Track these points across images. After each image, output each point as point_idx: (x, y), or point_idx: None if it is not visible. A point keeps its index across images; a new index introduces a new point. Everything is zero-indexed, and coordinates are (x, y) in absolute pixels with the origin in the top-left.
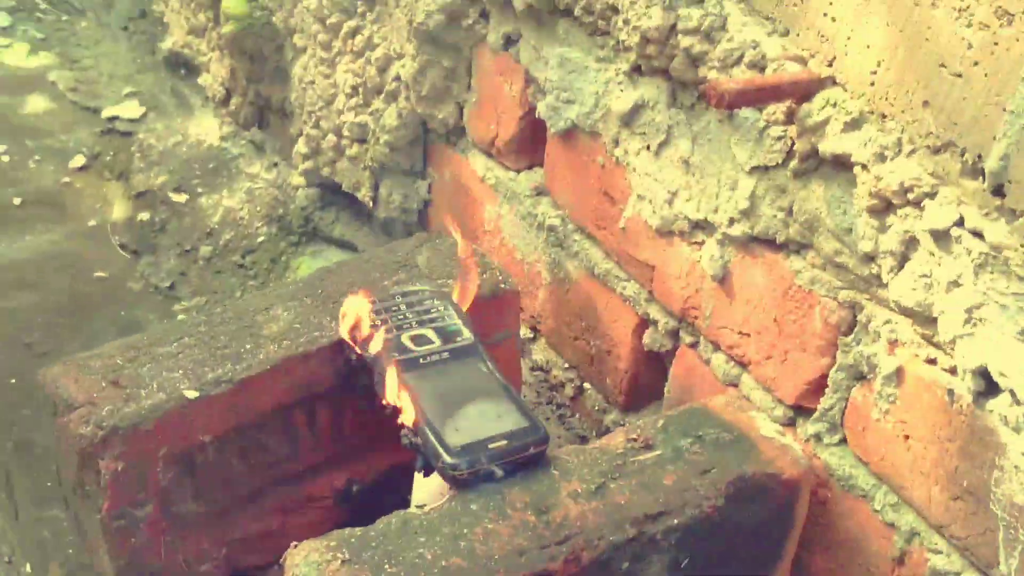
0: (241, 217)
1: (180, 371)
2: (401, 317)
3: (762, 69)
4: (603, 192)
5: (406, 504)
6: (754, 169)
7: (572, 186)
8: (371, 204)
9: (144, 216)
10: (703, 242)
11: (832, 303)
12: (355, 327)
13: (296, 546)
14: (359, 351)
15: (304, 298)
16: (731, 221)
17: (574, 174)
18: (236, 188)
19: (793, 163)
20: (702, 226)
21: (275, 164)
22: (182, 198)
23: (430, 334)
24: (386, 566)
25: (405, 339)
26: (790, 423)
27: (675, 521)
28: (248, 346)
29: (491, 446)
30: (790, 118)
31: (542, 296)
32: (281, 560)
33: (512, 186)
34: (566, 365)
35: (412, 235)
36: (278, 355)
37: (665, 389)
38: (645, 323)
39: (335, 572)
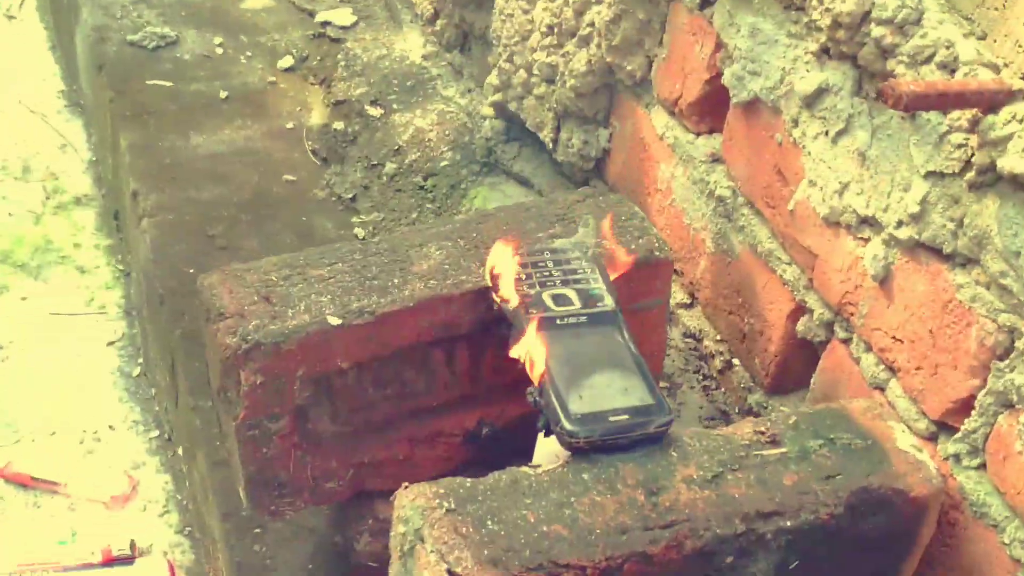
0: (429, 139)
1: (328, 296)
2: (547, 274)
3: (952, 71)
4: (777, 170)
5: (530, 454)
6: (930, 174)
7: (747, 159)
8: (551, 145)
9: (339, 125)
10: (868, 239)
11: (991, 324)
12: (499, 276)
13: (407, 487)
14: (499, 301)
15: (458, 239)
16: (899, 223)
17: (751, 147)
18: (429, 109)
19: (970, 174)
20: (870, 223)
21: (470, 90)
22: (377, 112)
23: (572, 295)
24: (488, 522)
25: (546, 297)
26: (931, 438)
27: (787, 523)
28: (396, 280)
29: (612, 419)
30: (974, 127)
31: (703, 264)
32: (392, 497)
33: (689, 149)
34: (718, 337)
35: (587, 181)
36: (422, 294)
37: (812, 379)
38: (801, 309)
39: (437, 520)
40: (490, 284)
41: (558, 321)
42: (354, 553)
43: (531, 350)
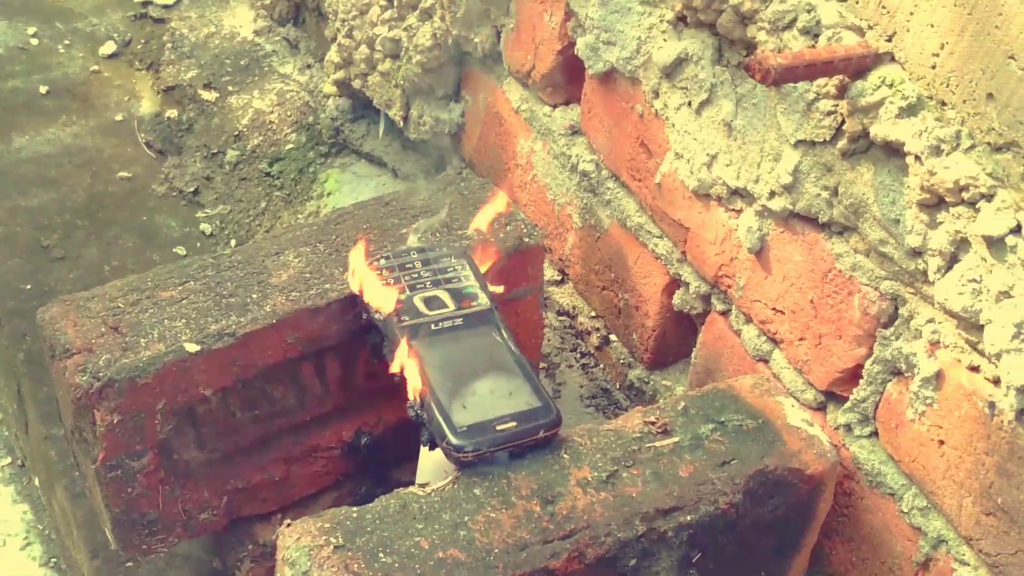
0: (270, 121)
1: (182, 320)
2: (415, 276)
3: (815, 36)
4: (640, 142)
5: (412, 458)
6: (800, 143)
7: (608, 131)
8: (402, 123)
9: (172, 113)
10: (741, 210)
11: (873, 293)
12: (365, 283)
13: (289, 525)
14: (370, 312)
15: (317, 243)
16: (772, 194)
17: (611, 119)
18: (267, 89)
19: (842, 142)
20: (741, 194)
21: (308, 66)
22: (212, 96)
23: (444, 296)
24: (380, 554)
25: (418, 301)
26: (820, 408)
27: (688, 518)
28: (254, 296)
29: (499, 427)
30: (842, 93)
31: (572, 240)
32: (274, 537)
33: (547, 122)
34: (592, 314)
35: (442, 157)
36: (285, 308)
37: (692, 354)
38: (676, 283)
39: (326, 559)
40: (357, 292)
41: (432, 327)
42: None
43: (407, 362)
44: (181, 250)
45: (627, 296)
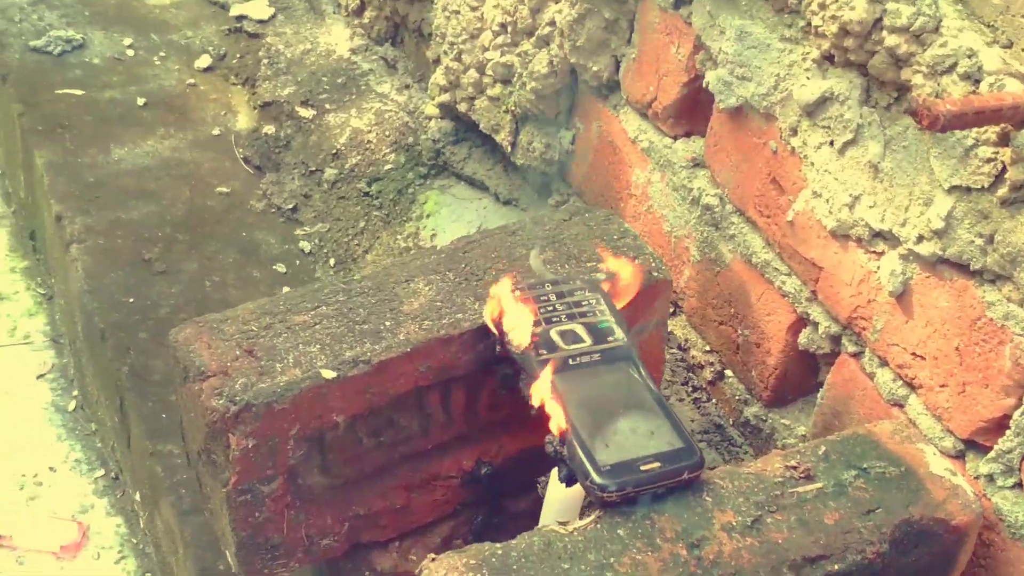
0: (369, 141)
1: (316, 345)
2: (551, 309)
3: (977, 81)
4: (771, 179)
5: (528, 489)
6: (954, 188)
7: (736, 166)
8: (509, 149)
9: (269, 130)
10: (883, 253)
11: None
12: (502, 316)
13: (434, 559)
14: (504, 344)
15: (447, 272)
16: (920, 238)
17: (740, 154)
18: (365, 108)
19: (1002, 190)
20: (884, 236)
21: (407, 86)
22: (309, 113)
23: (580, 331)
24: None
25: (554, 335)
26: (959, 456)
27: (835, 567)
28: (387, 323)
29: (643, 467)
30: (1004, 140)
31: (688, 274)
32: (417, 571)
33: (667, 153)
34: (707, 348)
35: (549, 185)
36: (418, 337)
37: (819, 395)
38: (803, 322)
39: None
40: (491, 326)
41: (571, 361)
42: None
43: (548, 397)
44: (281, 267)
45: (747, 332)
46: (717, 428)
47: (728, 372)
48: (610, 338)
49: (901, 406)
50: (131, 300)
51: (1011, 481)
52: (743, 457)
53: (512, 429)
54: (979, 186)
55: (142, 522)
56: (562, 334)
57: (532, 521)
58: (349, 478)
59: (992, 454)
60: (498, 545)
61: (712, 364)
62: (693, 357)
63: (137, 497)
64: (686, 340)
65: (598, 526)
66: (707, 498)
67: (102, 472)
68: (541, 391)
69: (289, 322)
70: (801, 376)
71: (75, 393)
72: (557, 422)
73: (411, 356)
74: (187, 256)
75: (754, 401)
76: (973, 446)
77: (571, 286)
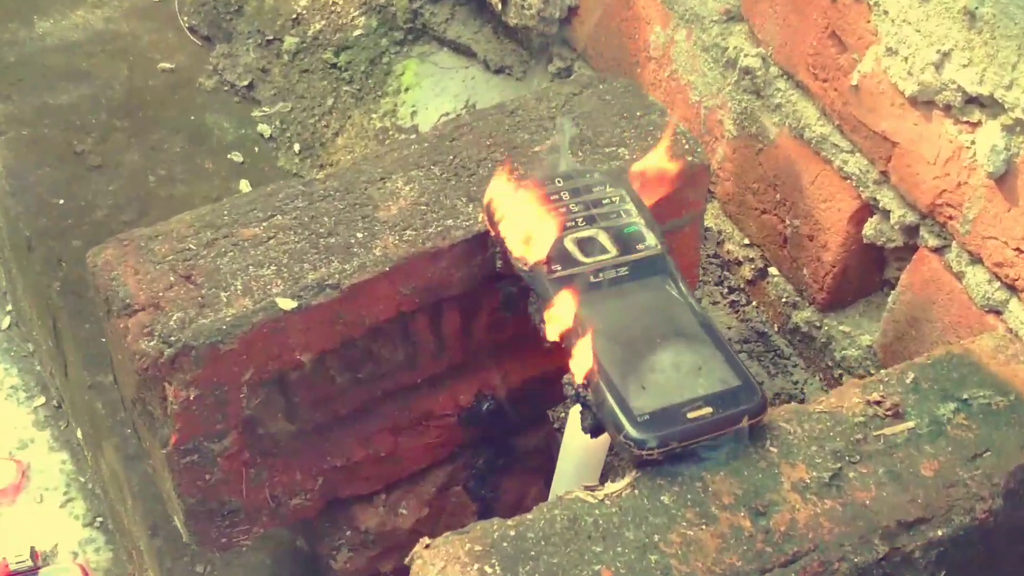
0: (334, 2)
1: (271, 267)
2: (565, 212)
3: None
4: (830, 32)
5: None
6: None
7: (783, 18)
8: (500, 6)
9: None
10: (979, 123)
11: None
12: (502, 223)
13: (427, 545)
14: (507, 259)
15: (431, 165)
16: None
17: (788, 3)
18: None
19: None
20: (983, 103)
21: None
22: None
23: (603, 239)
24: None
25: (569, 245)
26: None
27: (938, 532)
28: (360, 235)
29: (690, 415)
30: None
31: (721, 152)
32: (407, 560)
33: (694, 5)
34: (746, 241)
35: (547, 48)
36: (399, 252)
37: (890, 299)
38: (869, 210)
39: None
40: (491, 234)
41: (591, 279)
42: (331, 572)
43: (566, 328)
44: (237, 156)
45: (797, 222)
46: (759, 336)
47: (772, 270)
48: (640, 246)
49: (999, 313)
50: (61, 201)
51: None
52: (791, 371)
53: (518, 353)
54: None
55: (89, 459)
56: (580, 243)
57: (545, 460)
58: (321, 424)
59: None
60: (510, 522)
61: (752, 260)
62: (729, 252)
63: (79, 435)
64: (720, 232)
65: (635, 492)
66: (772, 448)
67: (43, 400)
68: (557, 320)
69: (236, 237)
70: (864, 274)
71: (8, 308)
72: (581, 361)
73: (391, 276)
74: (127, 147)
75: (805, 304)
76: None
77: (589, 180)
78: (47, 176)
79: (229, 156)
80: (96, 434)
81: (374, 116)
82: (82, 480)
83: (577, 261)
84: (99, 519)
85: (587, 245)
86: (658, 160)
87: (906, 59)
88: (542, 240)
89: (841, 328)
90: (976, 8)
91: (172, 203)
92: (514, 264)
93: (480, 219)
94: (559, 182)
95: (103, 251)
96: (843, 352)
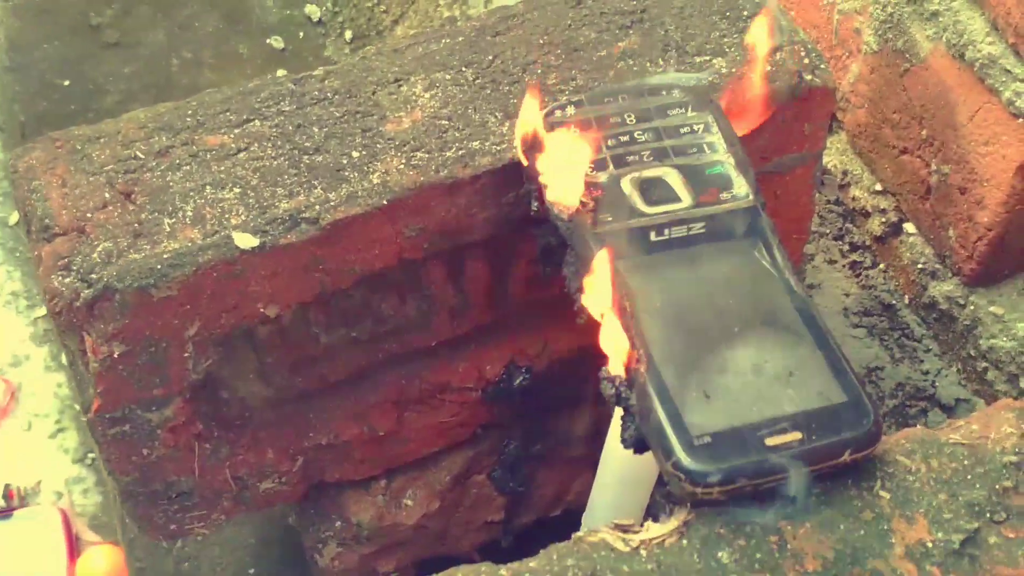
0: None
1: (235, 188)
2: (626, 139)
3: None
4: None
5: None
6: None
7: None
8: None
9: None
10: None
11: None
12: (540, 152)
13: None
14: (542, 203)
15: (463, 67)
16: None
17: None
18: None
19: None
20: None
21: None
22: None
23: (674, 181)
24: None
25: (627, 185)
26: None
27: None
28: (356, 154)
29: (769, 441)
30: None
31: (855, 71)
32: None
33: None
34: (878, 187)
35: None
36: (404, 181)
37: None
38: None
39: None
40: (525, 167)
41: (653, 236)
42: (317, 569)
43: (605, 302)
44: (278, 41)
45: (947, 169)
46: (885, 309)
47: (908, 226)
48: (725, 195)
49: None
50: (67, 83)
51: None
52: (922, 357)
53: (562, 316)
54: None
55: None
56: (643, 185)
57: (594, 448)
58: (302, 392)
59: None
60: (504, 571)
61: (884, 212)
62: (855, 199)
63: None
64: (845, 174)
65: (683, 542)
66: (882, 494)
67: (43, 312)
68: (596, 288)
69: (198, 145)
70: None
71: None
72: (621, 350)
73: (389, 212)
74: (151, 22)
75: (947, 273)
76: None
77: (665, 99)
78: (55, 51)
79: (269, 40)
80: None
81: (441, 2)
82: (76, 408)
83: (636, 211)
84: (91, 455)
85: (652, 188)
86: (752, 73)
87: None
88: (589, 180)
89: (991, 310)
90: None
91: (195, 92)
92: (550, 210)
93: (515, 144)
94: (623, 99)
95: (29, 153)
96: (991, 341)
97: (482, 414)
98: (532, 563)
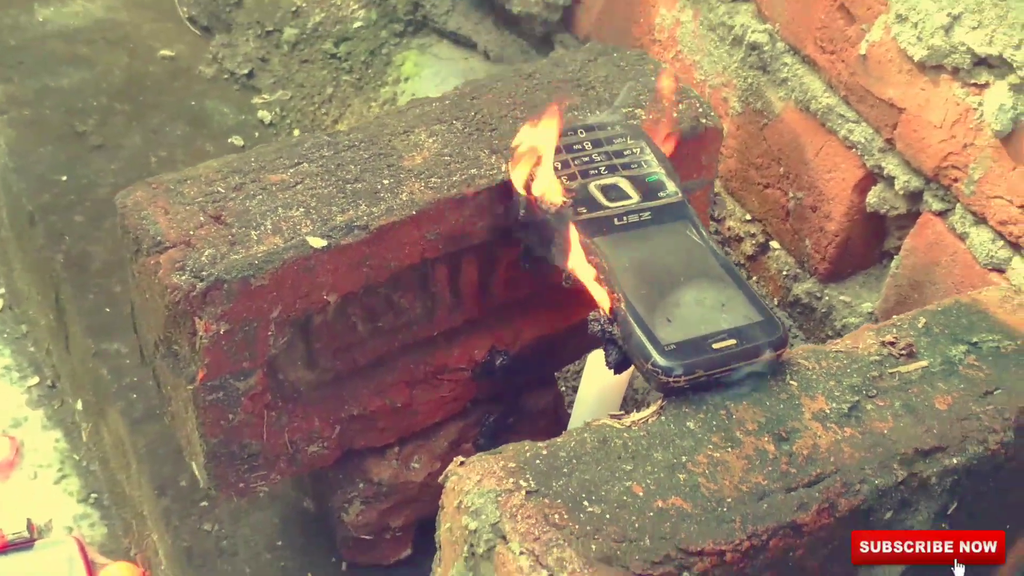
0: None
1: (300, 209)
2: (587, 159)
3: None
4: (838, 5)
5: (548, 383)
6: None
7: None
8: None
9: None
10: (987, 85)
11: None
12: (527, 170)
13: (463, 463)
14: (532, 205)
15: (453, 121)
16: None
17: None
18: None
19: None
20: (991, 64)
21: None
22: None
23: (625, 185)
24: (585, 503)
25: (594, 190)
26: None
27: (953, 461)
28: (386, 182)
29: (715, 345)
30: None
31: (725, 130)
32: (440, 478)
33: None
34: (747, 217)
35: (549, 37)
36: (426, 197)
37: (893, 264)
38: (872, 178)
39: (519, 507)
40: (516, 181)
41: (616, 221)
42: (341, 525)
43: (588, 263)
44: (238, 140)
45: (801, 195)
46: None
47: (774, 244)
48: (661, 193)
49: (1002, 271)
50: (64, 178)
51: None
52: (791, 343)
53: (531, 312)
54: None
55: (85, 435)
56: (604, 189)
57: (553, 422)
58: (340, 372)
59: None
60: (541, 444)
61: (754, 236)
62: (730, 229)
63: (79, 406)
64: (722, 208)
65: (662, 418)
66: (792, 382)
67: (36, 380)
68: (581, 257)
69: (263, 182)
70: (865, 244)
71: (1, 291)
72: (604, 295)
73: (417, 220)
74: (127, 129)
75: (806, 276)
76: None
77: (609, 132)
78: (49, 154)
79: (230, 140)
80: (99, 401)
81: (373, 104)
82: (76, 458)
83: (601, 205)
84: (94, 495)
85: (611, 191)
86: (666, 118)
87: (916, 24)
88: (565, 186)
89: (842, 298)
90: None
91: None
92: (539, 207)
93: (503, 169)
94: (581, 133)
95: (132, 193)
96: (844, 321)
97: (471, 390)
98: (558, 439)
